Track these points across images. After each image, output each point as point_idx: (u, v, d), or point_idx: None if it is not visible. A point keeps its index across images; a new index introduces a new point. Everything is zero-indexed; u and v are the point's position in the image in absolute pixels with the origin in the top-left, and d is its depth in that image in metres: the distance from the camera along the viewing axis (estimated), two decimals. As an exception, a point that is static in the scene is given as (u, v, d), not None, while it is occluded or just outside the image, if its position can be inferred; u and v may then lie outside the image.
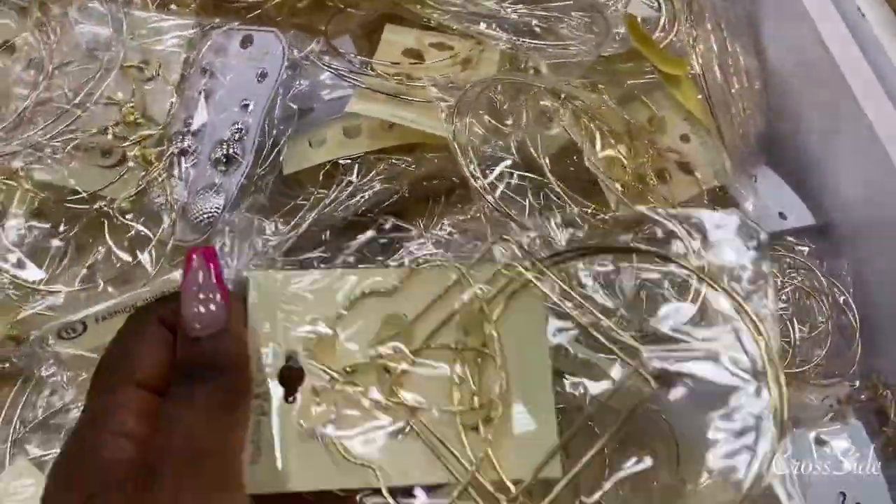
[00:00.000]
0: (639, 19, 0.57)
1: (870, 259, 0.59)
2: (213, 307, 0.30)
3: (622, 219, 0.53)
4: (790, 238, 0.61)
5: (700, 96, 0.56)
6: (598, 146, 0.53)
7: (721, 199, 0.58)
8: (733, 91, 0.58)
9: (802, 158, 0.64)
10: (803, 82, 0.63)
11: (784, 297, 0.58)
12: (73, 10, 0.52)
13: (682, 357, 0.52)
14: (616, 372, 0.49)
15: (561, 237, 0.49)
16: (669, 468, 0.49)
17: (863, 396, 0.56)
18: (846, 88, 0.58)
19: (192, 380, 0.29)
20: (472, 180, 0.46)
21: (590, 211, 0.51)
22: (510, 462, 0.34)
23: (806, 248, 0.60)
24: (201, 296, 0.30)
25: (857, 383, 0.56)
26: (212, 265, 0.30)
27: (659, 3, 0.62)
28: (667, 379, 0.52)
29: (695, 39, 0.54)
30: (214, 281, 0.30)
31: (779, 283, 0.58)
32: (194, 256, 0.30)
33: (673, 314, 0.52)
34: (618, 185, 0.52)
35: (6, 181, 0.48)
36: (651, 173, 0.54)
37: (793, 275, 0.58)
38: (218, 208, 0.49)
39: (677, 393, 0.51)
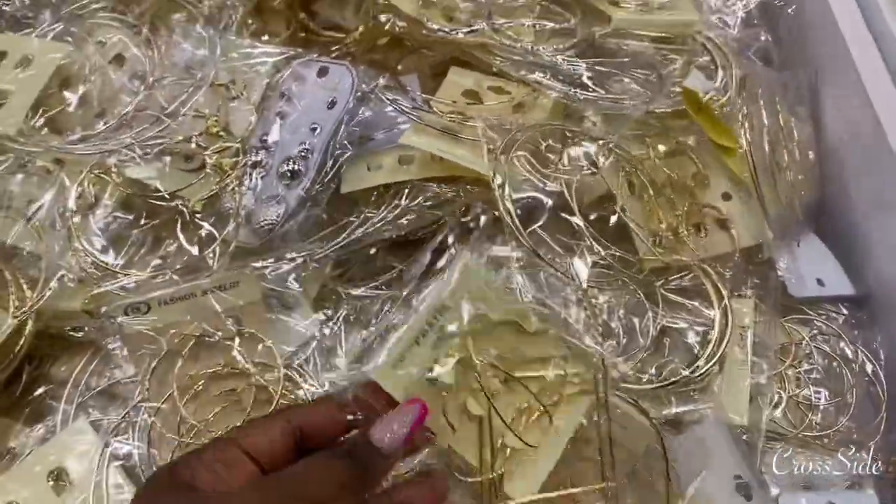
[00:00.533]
0: (698, 93, 0.60)
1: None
2: (395, 440, 0.38)
3: (650, 265, 0.55)
4: (827, 305, 0.62)
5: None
6: (636, 196, 0.56)
7: (756, 259, 0.59)
8: (783, 163, 0.59)
9: (850, 228, 0.65)
10: (856, 155, 0.64)
11: (812, 362, 0.59)
12: (177, 31, 0.59)
13: (693, 405, 0.54)
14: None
15: (584, 276, 0.52)
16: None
17: (882, 469, 0.56)
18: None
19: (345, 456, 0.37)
20: (505, 216, 0.50)
21: (617, 255, 0.54)
22: None
23: (841, 317, 0.61)
24: (396, 427, 0.38)
25: (878, 455, 0.56)
26: (419, 422, 0.39)
27: (715, 66, 0.65)
28: (677, 424, 0.54)
29: (744, 116, 0.56)
30: (410, 429, 0.39)
31: (809, 347, 0.59)
32: (417, 406, 0.39)
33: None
34: (650, 235, 0.55)
35: (101, 175, 0.54)
36: (686, 226, 0.57)
37: (824, 341, 0.59)
38: (278, 217, 0.54)
39: (685, 438, 0.53)
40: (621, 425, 0.52)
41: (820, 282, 0.61)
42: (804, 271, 0.61)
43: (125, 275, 0.52)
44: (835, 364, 0.59)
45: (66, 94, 0.58)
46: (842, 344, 0.60)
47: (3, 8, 0.63)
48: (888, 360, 0.59)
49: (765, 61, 0.71)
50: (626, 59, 0.61)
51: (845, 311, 0.60)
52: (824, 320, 0.60)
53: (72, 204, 0.54)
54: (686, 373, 0.53)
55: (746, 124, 0.56)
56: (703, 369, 0.54)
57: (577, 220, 0.50)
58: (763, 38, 0.72)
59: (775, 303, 0.57)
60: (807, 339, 0.58)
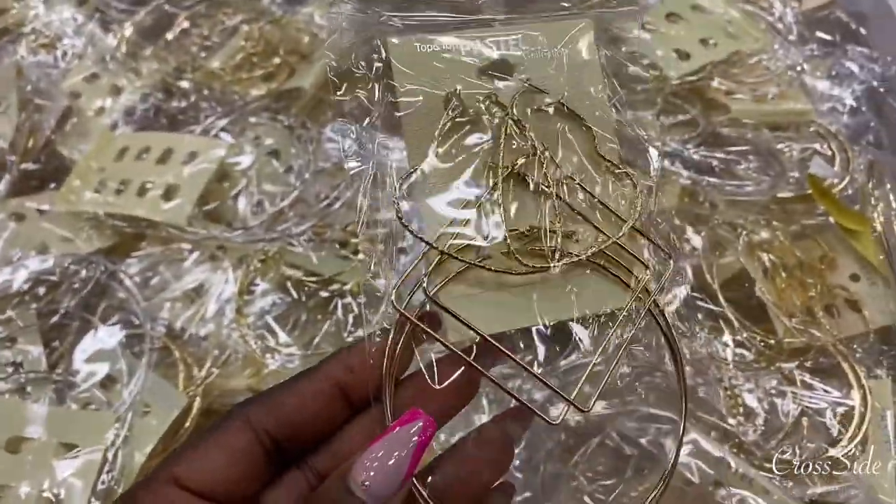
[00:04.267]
0: (821, 179, 0.62)
1: None
2: (389, 479, 0.27)
3: (789, 345, 0.57)
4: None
5: (881, 254, 0.59)
6: (770, 277, 0.58)
7: (891, 339, 0.60)
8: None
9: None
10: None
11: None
12: (327, 129, 0.64)
13: (837, 485, 0.54)
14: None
15: (728, 355, 0.54)
16: None
17: None
18: None
19: None
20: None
21: (758, 336, 0.55)
22: None
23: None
24: (390, 461, 0.27)
25: None
26: (423, 445, 0.28)
27: (832, 152, 0.67)
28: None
29: (875, 199, 0.58)
30: (410, 460, 0.27)
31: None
32: (421, 421, 0.28)
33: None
34: (786, 316, 0.56)
35: (262, 260, 0.59)
36: (819, 307, 0.58)
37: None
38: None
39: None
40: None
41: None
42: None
43: (287, 353, 0.55)
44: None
45: (227, 186, 0.63)
46: None
47: (165, 109, 0.69)
48: None
49: (877, 146, 0.74)
50: (746, 147, 0.64)
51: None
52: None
53: (235, 287, 0.58)
54: (833, 452, 0.54)
55: (879, 207, 0.58)
56: (846, 450, 0.54)
57: (722, 303, 0.52)
58: (872, 124, 0.74)
59: (912, 382, 0.58)
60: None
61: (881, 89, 0.76)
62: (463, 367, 0.32)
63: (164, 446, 0.54)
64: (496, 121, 0.37)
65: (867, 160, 0.61)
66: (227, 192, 0.63)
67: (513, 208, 0.36)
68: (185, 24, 0.73)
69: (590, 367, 0.34)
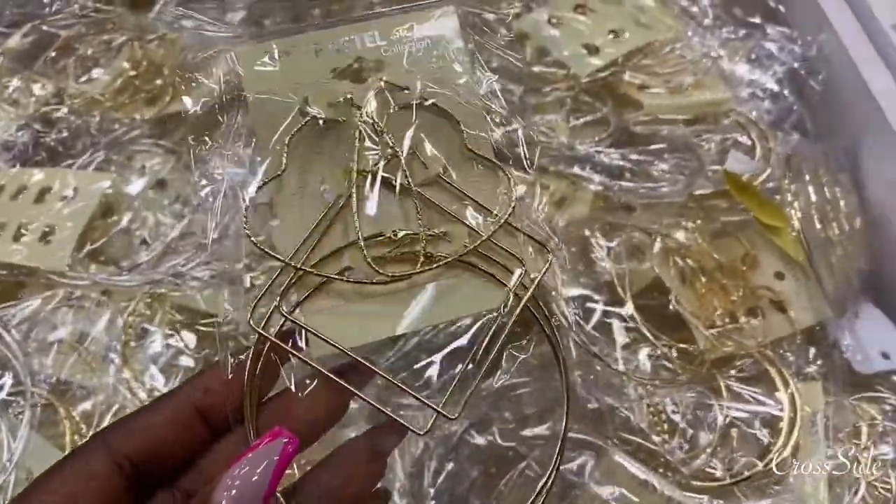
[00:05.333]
0: (738, 175, 0.59)
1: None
2: (251, 495, 0.27)
3: (711, 355, 0.54)
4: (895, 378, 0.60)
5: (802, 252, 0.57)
6: (689, 282, 0.55)
7: (818, 338, 0.58)
8: (834, 237, 0.58)
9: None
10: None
11: (889, 440, 0.57)
12: (216, 155, 0.60)
13: (770, 499, 0.52)
14: None
15: (647, 370, 0.51)
16: None
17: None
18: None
19: None
20: (560, 318, 0.49)
21: (675, 349, 0.52)
22: None
23: (911, 390, 0.59)
24: (252, 480, 0.27)
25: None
26: (285, 461, 0.27)
27: (752, 142, 0.64)
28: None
29: (793, 195, 0.55)
30: (272, 474, 0.27)
31: (882, 425, 0.57)
32: (284, 440, 0.28)
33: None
34: (706, 324, 0.54)
35: (150, 303, 0.54)
36: (743, 311, 0.55)
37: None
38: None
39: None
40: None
41: (885, 355, 0.59)
42: (868, 346, 0.59)
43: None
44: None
45: (111, 222, 0.59)
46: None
47: (43, 140, 0.64)
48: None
49: (800, 132, 0.71)
50: (661, 146, 0.61)
51: (911, 383, 0.59)
52: (889, 392, 0.58)
53: (121, 335, 0.54)
54: (760, 466, 0.51)
55: (796, 203, 0.55)
56: (777, 460, 0.52)
57: (632, 314, 0.49)
58: (795, 107, 0.71)
59: (843, 383, 0.56)
60: (879, 417, 0.56)
61: (802, 71, 0.73)
62: (327, 384, 0.32)
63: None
64: (354, 124, 0.36)
65: (784, 153, 0.59)
66: (112, 227, 0.58)
67: (377, 213, 0.35)
68: (63, 46, 0.67)
69: (459, 373, 0.33)
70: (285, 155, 0.35)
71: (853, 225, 0.64)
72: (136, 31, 0.68)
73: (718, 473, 0.52)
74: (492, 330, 0.34)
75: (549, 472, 0.35)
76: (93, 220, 0.58)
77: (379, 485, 0.34)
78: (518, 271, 0.35)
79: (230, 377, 0.32)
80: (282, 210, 0.35)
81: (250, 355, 0.33)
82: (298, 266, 0.34)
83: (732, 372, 0.54)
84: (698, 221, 0.60)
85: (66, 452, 0.50)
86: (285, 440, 0.28)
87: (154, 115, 0.62)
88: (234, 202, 0.39)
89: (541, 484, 0.35)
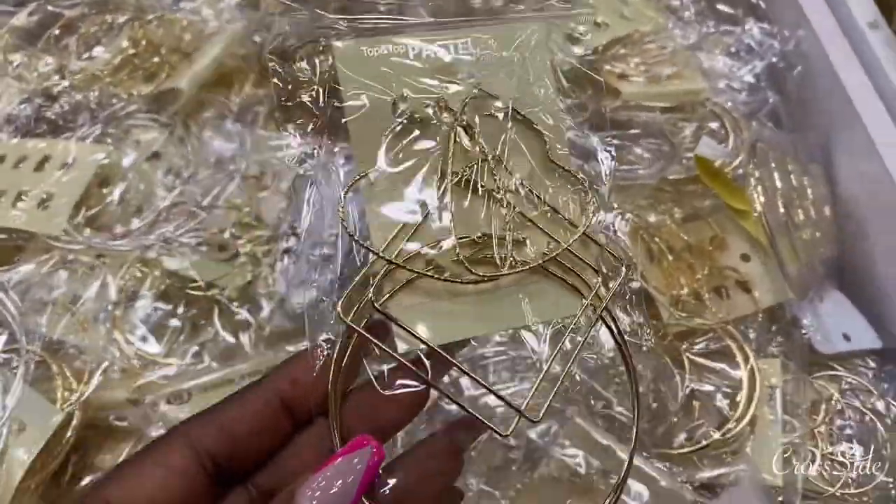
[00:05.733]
0: (709, 160, 0.61)
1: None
2: (336, 502, 0.26)
3: (675, 329, 0.56)
4: (856, 360, 0.62)
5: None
6: (656, 261, 0.58)
7: (780, 318, 0.60)
8: (798, 222, 0.61)
9: (871, 282, 0.66)
10: (871, 210, 0.65)
11: (845, 417, 0.59)
12: (208, 128, 0.62)
13: (727, 468, 0.54)
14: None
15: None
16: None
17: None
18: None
19: None
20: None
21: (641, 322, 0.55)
22: None
23: (871, 371, 0.61)
24: (338, 484, 0.27)
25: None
26: (372, 472, 0.27)
27: (726, 131, 0.67)
28: (711, 488, 0.54)
29: (756, 180, 0.58)
30: (358, 485, 0.27)
31: (840, 403, 0.59)
32: (371, 448, 0.28)
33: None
34: (672, 300, 0.56)
35: (141, 268, 0.57)
36: (708, 289, 0.58)
37: (854, 396, 0.59)
38: (310, 302, 0.56)
39: (720, 501, 0.53)
40: (654, 492, 0.52)
41: (846, 337, 0.62)
42: (830, 327, 0.62)
43: (167, 364, 0.54)
44: (867, 419, 0.59)
45: (106, 192, 0.61)
46: (872, 398, 0.60)
47: (45, 114, 0.67)
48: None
49: (775, 123, 0.73)
50: (637, 131, 0.63)
51: (874, 365, 0.61)
52: (854, 375, 0.61)
53: (113, 297, 0.56)
54: (717, 435, 0.54)
55: (759, 188, 0.57)
56: (735, 431, 0.54)
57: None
58: (771, 100, 0.74)
59: (802, 361, 0.58)
60: (837, 395, 0.59)
61: (780, 65, 0.75)
62: (414, 380, 0.32)
63: (41, 464, 0.52)
64: (445, 126, 0.36)
65: (750, 140, 0.61)
66: (107, 197, 0.61)
67: (463, 215, 0.35)
68: (67, 24, 0.70)
69: (541, 377, 0.34)
70: (381, 152, 0.36)
71: (821, 214, 0.66)
72: (136, 12, 0.70)
73: (679, 442, 0.55)
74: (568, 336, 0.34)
75: (620, 480, 0.36)
76: (89, 188, 0.60)
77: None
78: (594, 282, 0.36)
79: (317, 368, 0.32)
80: (372, 205, 0.35)
81: (338, 347, 0.33)
82: (391, 259, 0.33)
83: (696, 347, 0.57)
84: (670, 204, 0.62)
85: (67, 409, 0.54)
86: (372, 449, 0.28)
87: (150, 92, 0.65)
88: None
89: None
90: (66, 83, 0.66)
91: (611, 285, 0.36)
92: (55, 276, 0.58)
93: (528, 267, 0.34)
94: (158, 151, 0.63)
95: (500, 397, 0.34)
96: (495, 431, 0.32)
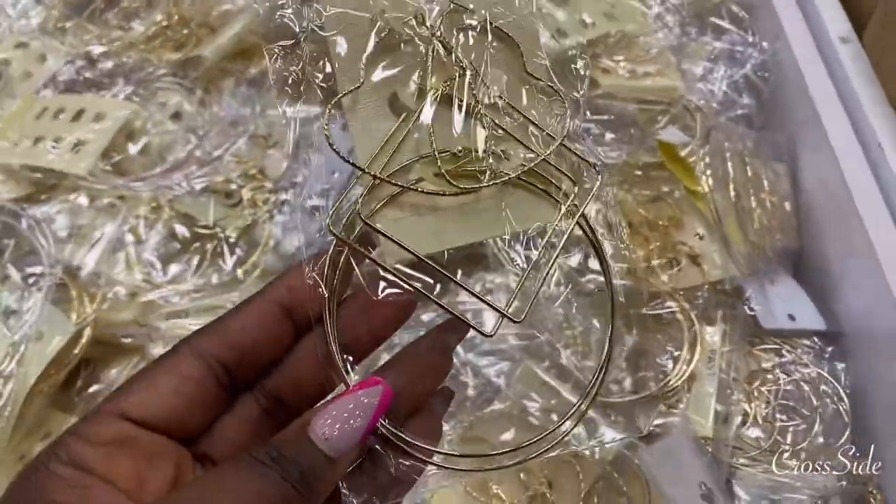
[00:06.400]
0: (673, 144, 0.67)
1: (867, 368, 0.64)
2: (348, 436, 0.28)
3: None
4: (803, 340, 0.67)
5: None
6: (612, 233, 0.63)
7: (729, 293, 0.65)
8: (749, 209, 0.66)
9: (825, 272, 0.71)
10: (827, 208, 0.70)
11: (780, 384, 0.64)
12: (226, 93, 0.70)
13: (663, 419, 0.60)
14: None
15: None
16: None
17: (845, 486, 0.60)
18: (860, 220, 0.64)
19: (270, 463, 0.27)
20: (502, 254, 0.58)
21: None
22: None
23: (812, 349, 0.66)
24: (351, 420, 0.28)
25: (842, 472, 0.60)
26: (381, 410, 0.29)
27: (695, 123, 0.73)
28: (649, 437, 0.60)
29: (706, 164, 0.63)
30: (369, 421, 0.29)
31: (777, 373, 0.64)
32: (381, 388, 0.29)
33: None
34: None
35: (155, 208, 0.65)
36: (661, 260, 0.63)
37: (793, 366, 0.64)
38: (300, 246, 0.63)
39: (655, 448, 0.58)
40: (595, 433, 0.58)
41: (791, 317, 0.67)
42: (776, 306, 0.67)
43: (170, 290, 0.61)
44: (803, 386, 0.63)
45: (131, 144, 0.69)
46: (808, 370, 0.65)
47: (85, 75, 0.75)
48: (854, 387, 0.64)
49: (747, 124, 0.79)
50: (610, 117, 0.70)
51: (814, 344, 0.66)
52: (794, 351, 0.65)
53: (128, 231, 0.64)
54: (655, 388, 0.59)
55: (708, 171, 0.63)
56: (672, 385, 0.60)
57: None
58: (746, 103, 0.79)
59: (743, 332, 0.63)
60: (775, 364, 0.64)
61: (757, 72, 0.81)
62: (402, 287, 0.33)
63: (54, 369, 0.60)
64: (423, 42, 0.37)
65: (705, 128, 0.67)
66: (131, 148, 0.69)
67: (444, 130, 0.35)
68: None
69: (521, 280, 0.36)
70: (362, 69, 0.36)
71: (779, 207, 0.72)
72: (172, -10, 0.79)
73: (619, 391, 0.60)
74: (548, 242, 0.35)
75: (599, 367, 0.40)
76: (115, 139, 0.68)
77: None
78: (570, 190, 0.36)
79: (311, 275, 0.33)
80: (356, 123, 0.36)
81: (328, 257, 0.34)
82: (377, 175, 0.34)
83: (644, 309, 0.62)
84: (637, 186, 0.68)
85: (79, 324, 0.61)
86: (383, 388, 0.29)
87: (178, 59, 0.73)
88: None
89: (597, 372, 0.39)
90: (104, 48, 0.75)
91: (586, 188, 0.37)
92: (81, 211, 0.66)
93: (507, 178, 0.35)
94: (179, 111, 0.71)
95: (483, 300, 0.35)
96: (479, 332, 0.34)
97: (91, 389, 0.62)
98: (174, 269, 0.63)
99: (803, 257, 0.73)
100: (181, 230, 0.64)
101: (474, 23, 0.38)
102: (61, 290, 0.63)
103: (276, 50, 0.38)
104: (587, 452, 0.57)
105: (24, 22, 0.79)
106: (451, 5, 0.38)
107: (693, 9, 0.85)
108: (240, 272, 0.62)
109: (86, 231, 0.64)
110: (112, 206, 0.65)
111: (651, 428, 0.59)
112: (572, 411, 0.38)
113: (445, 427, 0.59)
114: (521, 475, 0.57)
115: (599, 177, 0.38)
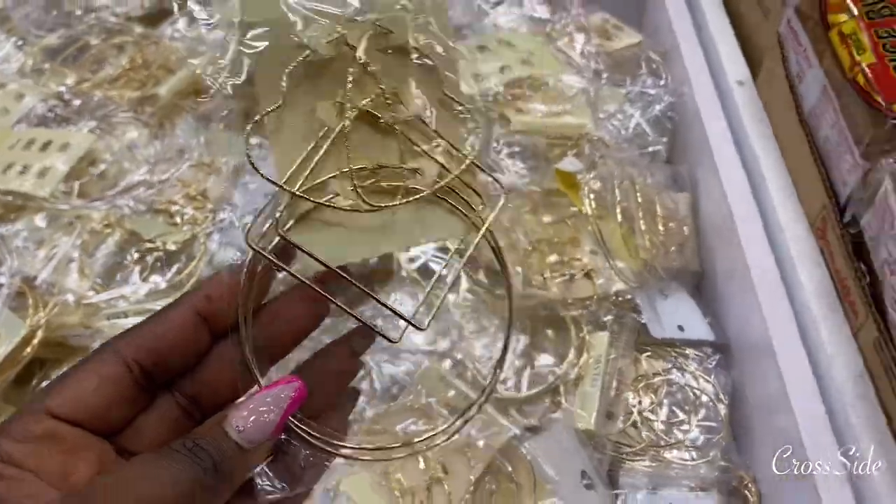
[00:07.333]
0: (571, 173, 0.75)
1: (744, 374, 0.71)
2: (261, 428, 0.31)
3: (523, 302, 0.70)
4: (692, 349, 0.73)
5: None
6: (513, 248, 0.71)
7: (619, 303, 0.72)
8: (637, 230, 0.74)
9: (716, 290, 0.78)
10: (718, 233, 0.78)
11: (665, 386, 0.70)
12: (180, 124, 0.79)
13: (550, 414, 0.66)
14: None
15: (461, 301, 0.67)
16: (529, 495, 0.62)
17: (719, 479, 0.65)
18: (739, 243, 0.72)
19: (186, 452, 0.29)
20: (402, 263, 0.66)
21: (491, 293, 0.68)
22: None
23: (698, 357, 0.72)
24: (265, 414, 0.31)
25: (718, 467, 0.66)
26: (294, 405, 0.32)
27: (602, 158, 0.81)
28: (536, 429, 0.66)
29: (590, 189, 0.71)
30: (281, 415, 0.31)
31: (662, 376, 0.71)
32: (296, 384, 0.32)
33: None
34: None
35: (107, 225, 0.73)
36: (554, 273, 0.71)
37: (678, 371, 0.71)
38: (234, 259, 0.70)
39: (541, 438, 0.65)
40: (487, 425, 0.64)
41: (681, 328, 0.74)
42: (666, 318, 0.73)
43: (112, 297, 0.69)
44: (687, 389, 0.70)
45: (92, 169, 0.78)
46: (691, 375, 0.71)
47: (57, 112, 0.84)
48: (734, 391, 0.70)
49: (659, 159, 0.87)
50: (518, 149, 0.78)
51: (702, 353, 0.72)
52: (681, 356, 0.72)
53: (80, 246, 0.72)
54: (542, 387, 0.66)
55: (592, 195, 0.71)
56: (560, 384, 0.66)
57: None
58: (658, 139, 0.88)
59: (629, 338, 0.70)
60: (664, 369, 0.70)
61: (668, 113, 0.90)
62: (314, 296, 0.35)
63: (9, 365, 0.67)
64: (344, 63, 0.38)
65: (595, 156, 0.75)
66: (92, 173, 0.77)
67: (361, 147, 0.37)
68: (81, 46, 0.89)
69: (427, 289, 0.39)
70: (283, 88, 0.37)
71: (675, 230, 0.79)
72: (139, 38, 0.88)
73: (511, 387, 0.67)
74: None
75: (491, 378, 0.42)
76: (78, 166, 0.77)
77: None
78: (479, 207, 0.39)
79: (229, 284, 0.35)
80: (276, 143, 0.37)
81: (246, 269, 0.36)
82: (294, 191, 0.36)
83: (538, 317, 0.69)
84: (542, 209, 0.76)
85: (31, 326, 0.68)
86: (297, 385, 0.32)
87: (137, 97, 0.82)
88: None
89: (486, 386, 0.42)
90: (73, 89, 0.84)
91: (492, 205, 0.39)
92: (42, 229, 0.74)
93: (420, 195, 0.37)
94: (136, 142, 0.79)
95: (390, 308, 0.36)
96: (385, 338, 0.36)
97: (43, 385, 0.69)
98: (119, 277, 0.71)
99: (703, 277, 0.80)
100: (127, 244, 0.72)
101: (395, 45, 0.40)
102: (20, 297, 0.71)
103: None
104: (480, 443, 0.63)
105: (5, 65, 0.88)
106: (376, 27, 0.39)
107: (612, 58, 0.93)
108: (178, 280, 0.69)
109: (45, 245, 0.72)
110: (69, 224, 0.73)
111: (538, 422, 0.66)
112: (468, 406, 0.41)
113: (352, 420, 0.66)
114: (420, 462, 0.64)
115: (503, 195, 0.40)
